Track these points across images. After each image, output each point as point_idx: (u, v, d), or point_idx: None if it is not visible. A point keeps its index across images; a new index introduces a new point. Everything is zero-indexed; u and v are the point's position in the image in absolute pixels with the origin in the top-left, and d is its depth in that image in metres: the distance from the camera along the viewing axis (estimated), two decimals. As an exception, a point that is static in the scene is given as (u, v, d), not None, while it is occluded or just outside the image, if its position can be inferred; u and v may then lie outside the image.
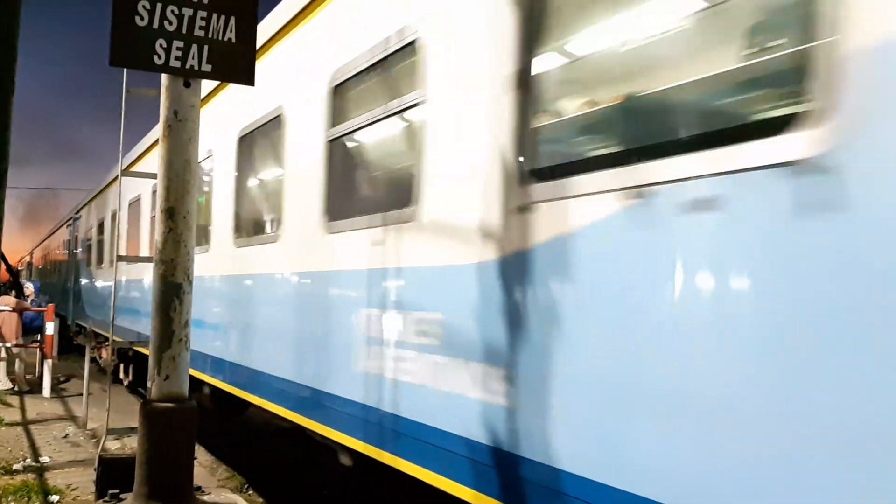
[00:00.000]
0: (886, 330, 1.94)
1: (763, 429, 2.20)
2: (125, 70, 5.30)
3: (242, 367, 6.26)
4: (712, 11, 2.78)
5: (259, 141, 6.48)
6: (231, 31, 4.57)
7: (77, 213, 21.01)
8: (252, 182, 6.89)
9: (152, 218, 9.89)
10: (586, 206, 2.81)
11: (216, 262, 7.25)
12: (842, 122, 2.07)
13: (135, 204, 11.86)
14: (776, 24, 2.59)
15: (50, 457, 8.17)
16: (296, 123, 5.53)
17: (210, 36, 4.52)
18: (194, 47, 4.48)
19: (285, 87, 5.74)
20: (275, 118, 5.91)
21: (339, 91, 4.86)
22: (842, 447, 2.02)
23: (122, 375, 8.55)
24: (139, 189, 11.36)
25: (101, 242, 16.28)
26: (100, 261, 16.09)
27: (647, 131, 2.96)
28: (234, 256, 6.72)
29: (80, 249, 19.76)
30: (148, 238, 10.53)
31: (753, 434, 2.23)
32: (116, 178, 14.57)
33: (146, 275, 9.76)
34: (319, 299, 4.99)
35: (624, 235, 2.66)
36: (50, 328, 13.24)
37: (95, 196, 17.83)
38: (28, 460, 7.94)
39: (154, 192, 8.81)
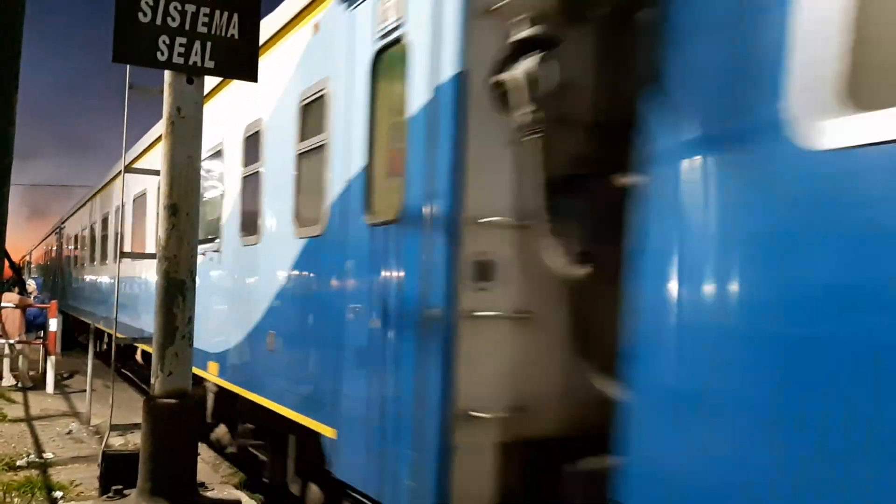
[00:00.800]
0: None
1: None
2: (128, 66, 5.30)
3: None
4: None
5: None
6: (234, 27, 4.57)
7: (62, 223, 26.04)
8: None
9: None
10: (203, 255, 6.82)
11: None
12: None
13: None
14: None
15: (53, 453, 8.19)
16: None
17: (213, 32, 4.52)
18: (197, 44, 4.48)
19: None
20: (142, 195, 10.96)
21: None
22: None
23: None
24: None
25: (75, 249, 21.32)
26: (75, 262, 21.01)
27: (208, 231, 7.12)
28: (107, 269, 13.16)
29: (66, 252, 24.83)
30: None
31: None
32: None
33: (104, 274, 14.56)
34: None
35: (207, 265, 6.99)
36: (53, 325, 13.26)
37: (82, 206, 21.17)
38: (32, 456, 7.97)
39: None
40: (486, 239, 3.38)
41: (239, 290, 6.53)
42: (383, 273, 3.91)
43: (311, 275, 5.00)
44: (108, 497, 4.66)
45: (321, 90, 4.78)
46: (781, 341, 2.19)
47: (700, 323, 2.47)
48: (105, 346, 15.45)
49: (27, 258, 47.43)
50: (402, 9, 3.82)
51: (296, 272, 5.25)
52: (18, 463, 7.64)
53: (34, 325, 14.23)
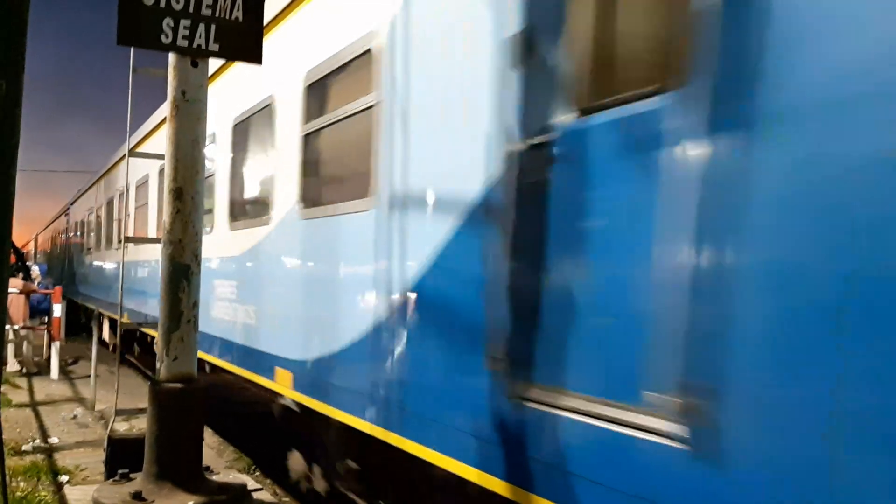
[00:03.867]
0: None
1: None
2: (132, 49, 5.26)
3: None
4: None
5: None
6: (238, 9, 4.53)
7: (35, 236, 35.43)
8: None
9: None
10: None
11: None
12: None
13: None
14: None
15: (58, 438, 8.22)
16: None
17: (217, 15, 4.49)
18: (201, 26, 4.44)
19: None
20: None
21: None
22: None
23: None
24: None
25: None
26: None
27: None
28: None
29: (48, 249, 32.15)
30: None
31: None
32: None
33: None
34: None
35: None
36: (57, 310, 13.28)
37: (55, 219, 27.13)
38: (37, 441, 7.99)
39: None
40: None
41: None
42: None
43: None
44: (113, 481, 4.66)
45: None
46: None
47: None
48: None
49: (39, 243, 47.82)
50: None
51: None
52: (24, 448, 7.66)
53: (38, 310, 14.26)
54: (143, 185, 10.82)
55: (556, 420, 2.68)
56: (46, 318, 14.06)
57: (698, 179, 2.21)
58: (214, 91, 5.28)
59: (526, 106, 2.85)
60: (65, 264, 24.77)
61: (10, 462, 6.95)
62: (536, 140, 2.82)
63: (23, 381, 12.12)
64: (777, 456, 1.97)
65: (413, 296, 3.69)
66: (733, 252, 2.13)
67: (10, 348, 13.37)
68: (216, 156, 7.19)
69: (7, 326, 13.28)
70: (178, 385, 4.47)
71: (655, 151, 2.35)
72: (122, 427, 7.69)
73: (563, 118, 2.76)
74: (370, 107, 4.15)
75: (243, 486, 4.75)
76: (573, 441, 2.61)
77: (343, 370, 4.40)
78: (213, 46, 4.48)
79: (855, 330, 1.82)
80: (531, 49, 2.84)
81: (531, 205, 2.86)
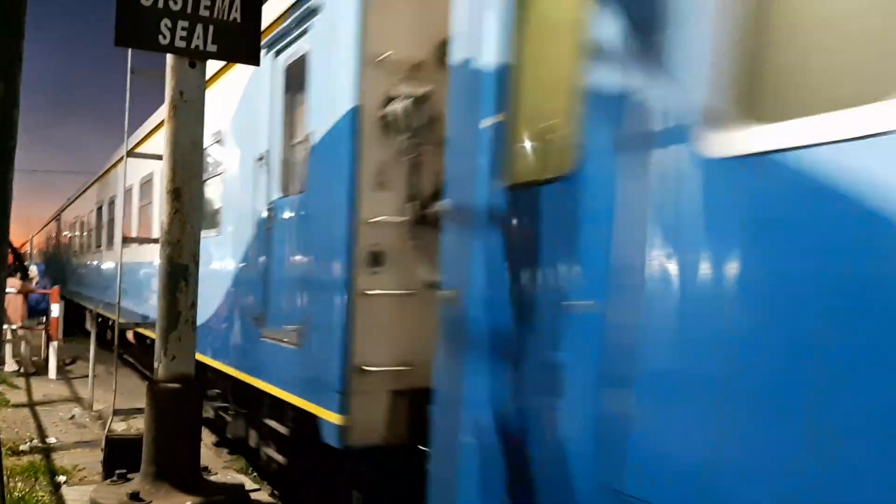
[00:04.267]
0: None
1: None
2: (130, 50, 5.26)
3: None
4: None
5: None
6: (236, 10, 4.54)
7: (31, 238, 35.74)
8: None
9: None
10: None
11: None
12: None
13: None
14: None
15: (56, 438, 8.22)
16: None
17: (215, 16, 4.49)
18: (199, 27, 4.45)
19: None
20: None
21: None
22: None
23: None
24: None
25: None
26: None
27: None
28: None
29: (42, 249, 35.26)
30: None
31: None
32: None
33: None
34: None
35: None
36: (55, 310, 13.27)
37: (49, 222, 28.52)
38: (34, 441, 8.00)
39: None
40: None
41: None
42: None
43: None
44: (111, 481, 4.66)
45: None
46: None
47: None
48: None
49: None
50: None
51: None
52: (21, 448, 7.67)
53: (36, 310, 14.25)
54: (111, 203, 14.06)
55: (269, 343, 5.45)
56: (44, 318, 14.05)
57: (316, 231, 4.86)
58: (132, 162, 7.71)
59: (265, 188, 5.67)
60: (56, 265, 25.87)
61: (8, 462, 6.95)
62: (269, 206, 5.60)
63: (20, 381, 12.12)
64: (309, 347, 4.79)
65: (231, 287, 6.51)
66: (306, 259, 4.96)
67: (8, 348, 13.37)
68: (132, 201, 11.38)
69: (5, 326, 13.29)
70: (176, 385, 4.47)
71: (295, 217, 5.21)
72: (119, 427, 7.70)
73: (277, 197, 5.52)
74: (220, 174, 7.02)
75: (241, 487, 4.77)
76: (271, 351, 5.38)
77: (206, 333, 6.82)
78: (211, 47, 4.49)
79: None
80: (267, 162, 5.63)
81: (269, 237, 5.58)
